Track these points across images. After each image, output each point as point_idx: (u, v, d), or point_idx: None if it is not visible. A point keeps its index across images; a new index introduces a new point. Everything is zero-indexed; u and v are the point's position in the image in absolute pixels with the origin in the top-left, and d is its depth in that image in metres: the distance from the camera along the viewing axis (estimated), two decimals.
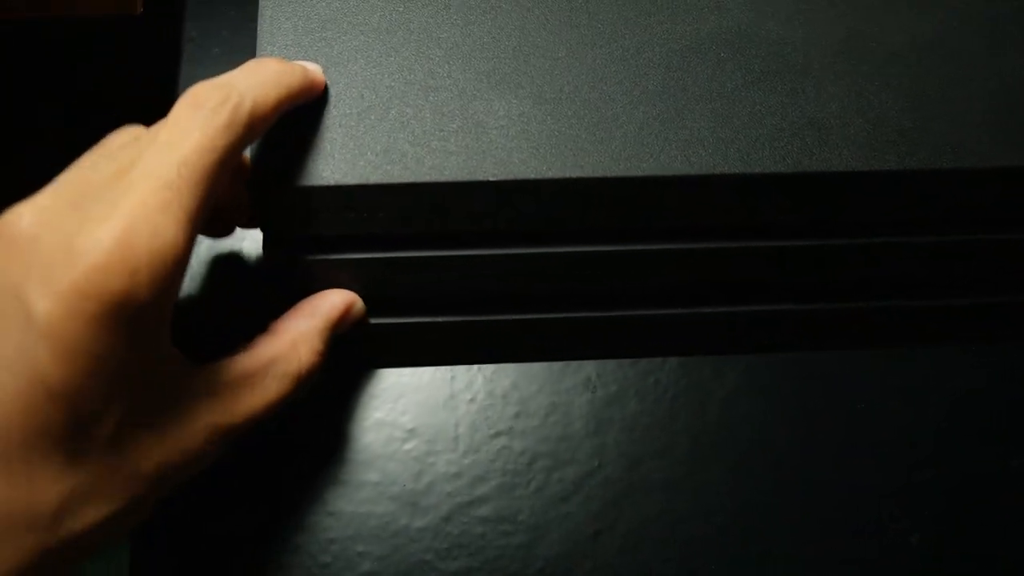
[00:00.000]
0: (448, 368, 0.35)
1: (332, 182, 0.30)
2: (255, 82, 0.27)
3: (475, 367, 0.35)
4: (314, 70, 0.30)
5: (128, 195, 0.24)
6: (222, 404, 0.27)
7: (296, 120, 0.30)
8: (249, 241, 0.36)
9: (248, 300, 0.35)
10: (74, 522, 0.24)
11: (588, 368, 0.35)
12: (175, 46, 0.38)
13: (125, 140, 0.27)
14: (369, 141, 0.30)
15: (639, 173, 0.30)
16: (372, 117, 0.31)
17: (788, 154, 0.31)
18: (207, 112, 0.26)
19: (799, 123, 0.31)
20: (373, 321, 0.33)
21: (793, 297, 0.35)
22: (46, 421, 0.23)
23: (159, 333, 0.25)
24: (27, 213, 0.24)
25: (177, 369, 0.26)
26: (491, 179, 0.30)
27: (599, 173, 0.30)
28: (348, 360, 0.33)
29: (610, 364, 0.35)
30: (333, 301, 0.31)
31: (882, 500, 0.34)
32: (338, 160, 0.30)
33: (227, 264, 0.35)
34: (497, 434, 0.34)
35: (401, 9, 0.33)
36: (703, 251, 0.32)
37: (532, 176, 0.30)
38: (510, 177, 0.30)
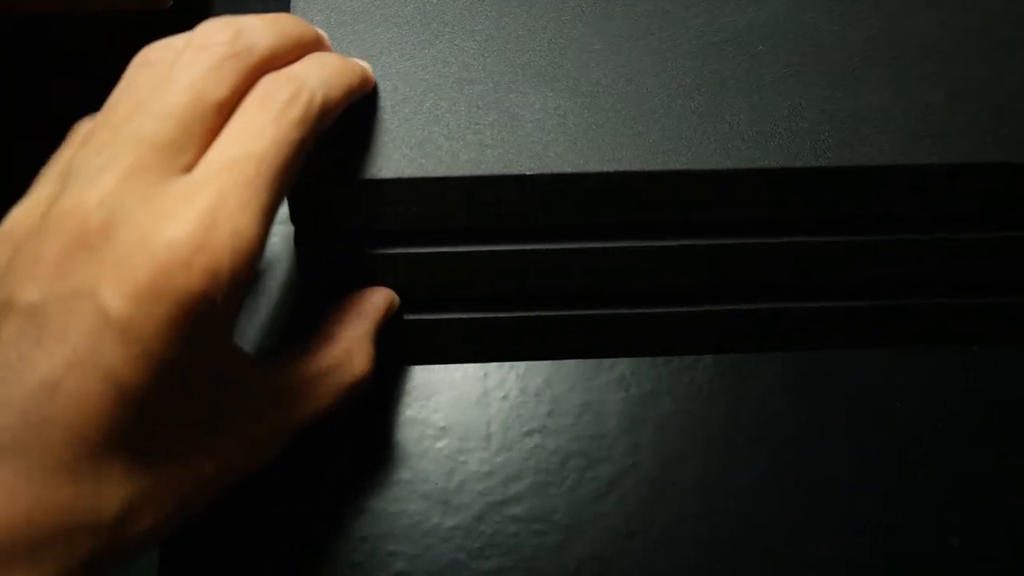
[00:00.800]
0: (480, 365, 0.35)
1: (366, 176, 0.29)
2: (324, 76, 0.26)
3: (508, 364, 0.35)
4: (366, 67, 0.30)
5: (207, 191, 0.23)
6: (281, 411, 0.27)
7: None
8: (278, 237, 0.36)
9: (280, 294, 0.34)
10: (135, 526, 0.23)
11: (622, 366, 0.35)
12: None
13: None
14: (403, 134, 0.30)
15: (677, 167, 0.30)
16: (406, 110, 0.30)
17: (828, 148, 0.30)
18: (280, 106, 0.25)
19: (839, 116, 0.31)
20: (406, 317, 0.33)
21: (832, 294, 0.34)
22: (117, 424, 0.22)
23: (227, 334, 0.25)
24: (94, 206, 0.22)
25: (240, 371, 0.26)
26: (527, 173, 0.30)
27: (637, 167, 0.30)
28: (380, 356, 0.33)
29: (644, 362, 0.35)
30: (376, 302, 0.31)
31: (923, 502, 0.33)
32: (372, 154, 0.30)
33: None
34: (530, 432, 0.34)
35: (434, 1, 0.33)
36: (741, 247, 0.32)
37: (569, 170, 0.30)
38: (546, 171, 0.30)
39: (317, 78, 0.26)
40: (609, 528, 0.32)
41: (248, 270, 0.24)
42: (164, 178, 0.23)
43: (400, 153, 0.30)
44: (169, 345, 0.22)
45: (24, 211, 0.24)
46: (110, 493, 0.23)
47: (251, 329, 0.33)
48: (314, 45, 0.28)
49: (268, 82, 0.26)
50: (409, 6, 0.32)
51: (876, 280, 0.34)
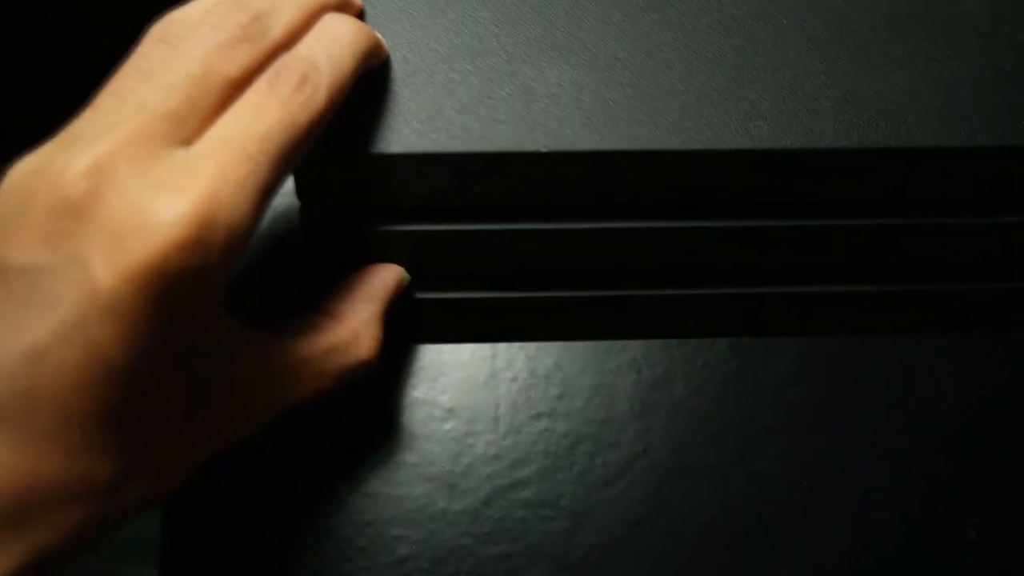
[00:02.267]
0: (489, 346, 0.34)
1: (375, 151, 0.28)
2: (334, 54, 0.26)
3: (517, 345, 0.34)
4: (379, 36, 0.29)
5: (206, 164, 0.22)
6: (278, 387, 0.26)
7: None
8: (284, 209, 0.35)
9: (284, 271, 0.33)
10: (124, 495, 0.23)
11: (633, 349, 0.34)
12: None
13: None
14: (414, 108, 0.29)
15: (697, 147, 0.29)
16: (417, 82, 0.29)
17: (854, 128, 0.29)
18: (288, 90, 0.24)
19: (865, 95, 0.30)
20: (414, 295, 0.32)
21: (850, 278, 0.33)
22: (105, 397, 0.22)
23: (217, 307, 0.24)
24: (88, 170, 0.22)
25: (236, 345, 0.25)
26: (541, 150, 0.28)
27: (655, 146, 0.29)
28: (387, 338, 0.32)
29: (656, 345, 0.34)
30: (385, 280, 0.30)
31: (939, 492, 0.32)
32: (381, 128, 0.29)
33: (263, 234, 0.34)
34: (539, 415, 0.33)
35: None
36: (759, 229, 0.31)
37: (584, 148, 0.29)
38: (561, 148, 0.29)
39: (326, 58, 0.26)
40: (618, 514, 0.32)
41: (241, 248, 0.23)
42: (163, 149, 0.23)
43: (410, 127, 0.29)
44: (158, 322, 0.22)
45: (22, 170, 0.24)
46: (100, 463, 0.22)
47: (256, 301, 0.32)
48: (340, 6, 0.28)
49: (279, 64, 0.25)
50: None
51: (898, 264, 0.33)
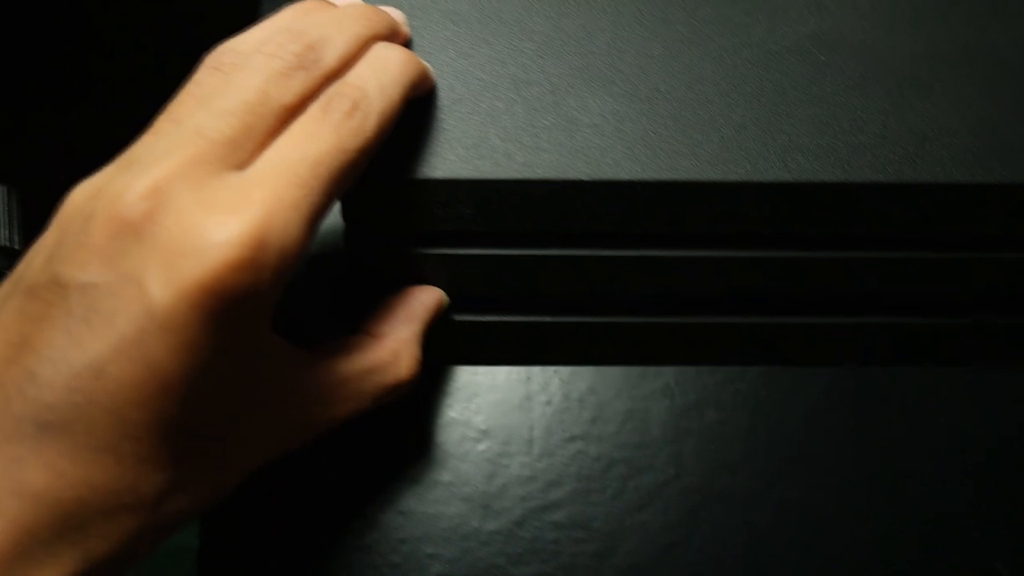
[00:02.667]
0: (524, 368, 0.34)
1: (420, 175, 0.29)
2: (384, 82, 0.27)
3: (551, 369, 0.34)
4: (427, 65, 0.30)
5: (260, 187, 0.23)
6: (320, 405, 0.27)
7: None
8: (329, 230, 0.35)
9: (327, 291, 0.34)
10: (170, 507, 0.24)
11: (667, 375, 0.34)
12: (252, 19, 0.37)
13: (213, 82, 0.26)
14: (458, 134, 0.30)
15: (735, 178, 0.29)
16: (462, 109, 0.30)
17: (889, 163, 0.30)
18: (340, 116, 0.25)
19: (901, 131, 0.30)
20: (452, 317, 0.32)
21: (883, 310, 0.34)
22: (159, 412, 0.22)
23: (266, 327, 0.25)
24: (146, 191, 0.23)
25: (280, 364, 0.26)
26: (583, 179, 0.29)
27: (694, 177, 0.29)
28: (426, 359, 0.33)
29: (689, 372, 0.35)
30: (426, 302, 0.31)
31: (969, 524, 0.33)
32: (426, 153, 0.29)
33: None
34: (572, 438, 0.33)
35: (493, 0, 0.32)
36: (793, 260, 0.31)
37: (625, 177, 0.29)
38: (603, 177, 0.29)
39: (377, 86, 0.26)
40: (650, 538, 0.32)
41: (291, 269, 0.24)
42: (219, 172, 0.23)
43: (455, 153, 0.29)
44: (211, 339, 0.22)
45: (82, 192, 0.24)
46: (151, 475, 0.23)
47: (299, 320, 0.33)
48: (389, 36, 0.28)
49: (331, 91, 0.26)
50: (465, 3, 0.32)
51: (931, 298, 0.33)
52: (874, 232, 0.31)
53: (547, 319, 0.33)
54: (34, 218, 0.34)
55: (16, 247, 0.33)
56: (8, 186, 0.34)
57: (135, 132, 0.25)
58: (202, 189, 0.23)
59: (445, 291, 0.32)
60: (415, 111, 0.30)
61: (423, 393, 0.34)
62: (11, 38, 0.35)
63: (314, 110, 0.25)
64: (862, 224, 0.31)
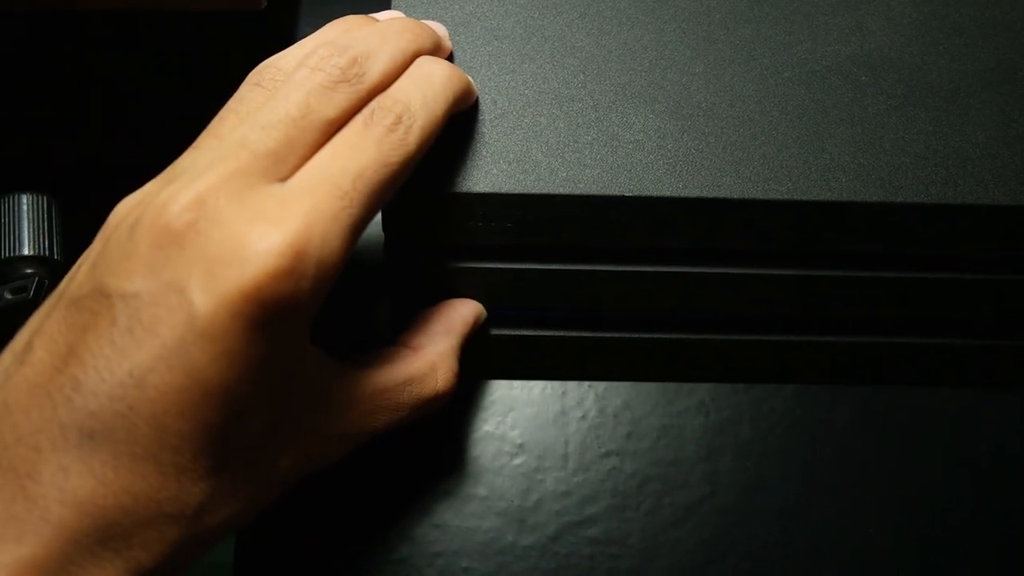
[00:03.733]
0: (560, 383, 0.34)
1: (462, 189, 0.29)
2: (428, 97, 0.27)
3: (587, 384, 0.34)
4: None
5: (302, 198, 0.23)
6: (357, 417, 0.27)
7: None
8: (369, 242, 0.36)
9: (366, 302, 0.34)
10: (211, 518, 0.24)
11: (701, 391, 0.34)
12: (289, 42, 0.37)
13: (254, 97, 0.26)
14: (501, 149, 0.30)
15: (777, 197, 0.29)
16: (505, 125, 0.30)
17: (931, 184, 0.30)
18: (383, 130, 0.25)
19: (943, 152, 0.30)
20: (489, 331, 0.33)
21: (921, 331, 0.34)
22: (200, 421, 0.22)
23: (304, 340, 0.25)
24: (190, 203, 0.23)
25: (317, 374, 0.26)
26: (626, 195, 0.29)
27: (736, 195, 0.29)
28: (463, 372, 0.33)
29: (724, 389, 0.35)
30: (464, 315, 0.31)
31: (1004, 544, 0.32)
32: (469, 167, 0.29)
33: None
34: (608, 454, 0.33)
35: (535, 16, 0.32)
36: (832, 279, 0.32)
37: (668, 194, 0.29)
38: (645, 193, 0.29)
39: (420, 100, 0.27)
40: (685, 555, 0.32)
41: (331, 280, 0.24)
42: (262, 184, 0.24)
43: (498, 168, 0.29)
44: (252, 347, 0.22)
45: (127, 205, 0.25)
46: (192, 484, 0.23)
47: (336, 332, 0.33)
48: (433, 51, 0.28)
49: (374, 104, 0.26)
50: (509, 21, 0.32)
51: (971, 318, 0.33)
52: (914, 252, 0.31)
53: (584, 334, 0.33)
54: (74, 230, 0.35)
55: (56, 257, 0.34)
56: (48, 196, 0.34)
57: (180, 147, 0.26)
58: (245, 200, 0.23)
59: (483, 305, 0.32)
60: (458, 125, 0.30)
61: (459, 407, 0.34)
62: (55, 47, 0.36)
63: (357, 123, 0.25)
64: (902, 244, 0.31)
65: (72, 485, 0.22)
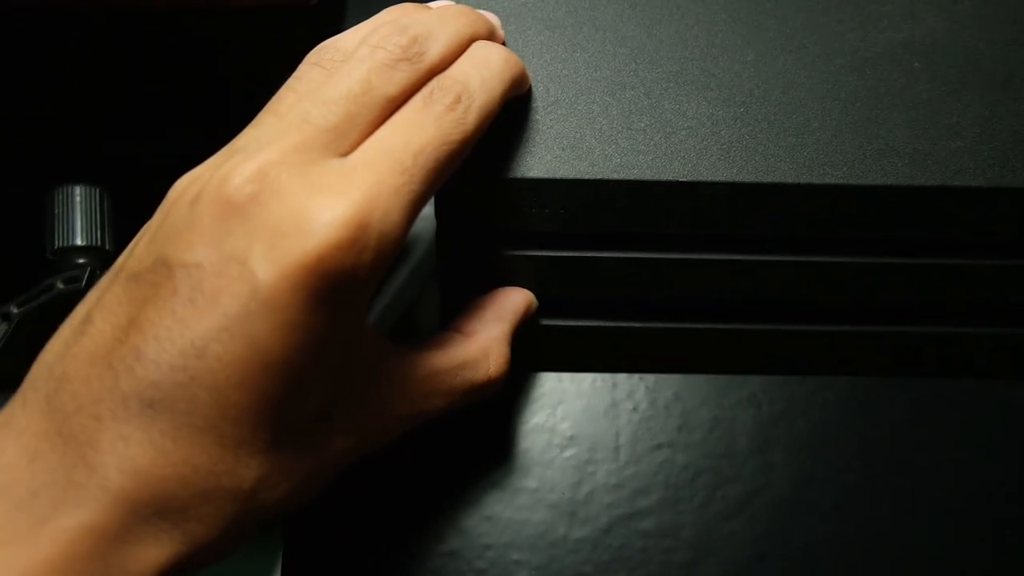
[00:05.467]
0: (610, 375, 0.34)
1: (517, 175, 0.29)
2: (486, 78, 0.27)
3: (637, 376, 0.34)
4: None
5: (363, 172, 0.23)
6: (410, 398, 0.27)
7: None
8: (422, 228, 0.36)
9: (421, 284, 0.34)
10: (268, 494, 0.24)
11: (753, 383, 0.34)
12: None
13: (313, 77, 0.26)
14: (555, 135, 0.30)
15: (833, 181, 0.29)
16: (558, 112, 0.30)
17: (988, 167, 0.30)
18: (442, 108, 0.25)
19: (1000, 136, 0.30)
20: (540, 321, 0.32)
21: (977, 320, 0.33)
22: (260, 393, 0.22)
23: (363, 315, 0.25)
24: (253, 175, 0.23)
25: (373, 354, 0.26)
26: (681, 179, 0.29)
27: (792, 179, 0.29)
28: (514, 359, 0.32)
29: (776, 380, 0.34)
30: (516, 303, 0.31)
31: None
32: (524, 153, 0.29)
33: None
34: (659, 446, 0.33)
35: (586, 6, 0.32)
36: (889, 266, 0.31)
37: (723, 179, 0.29)
38: (701, 179, 0.29)
39: (479, 81, 0.27)
40: (739, 549, 0.32)
41: (391, 254, 0.24)
42: (322, 158, 0.24)
43: (552, 154, 0.29)
44: (313, 319, 0.22)
45: (187, 179, 0.25)
46: (249, 458, 0.23)
47: (390, 314, 0.33)
48: (488, 37, 0.28)
49: (434, 83, 0.26)
50: (561, 10, 0.32)
51: None
52: (971, 238, 0.31)
53: (635, 324, 0.33)
54: (127, 221, 0.35)
55: (108, 248, 0.34)
56: (101, 187, 0.34)
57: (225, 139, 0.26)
58: (307, 173, 0.23)
59: (534, 294, 0.32)
60: (512, 112, 0.30)
61: (508, 399, 0.34)
62: (109, 44, 0.36)
63: (417, 101, 0.26)
64: (960, 230, 0.30)
65: (132, 454, 0.22)
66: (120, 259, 0.25)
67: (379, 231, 0.23)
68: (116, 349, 0.22)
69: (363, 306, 0.24)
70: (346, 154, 0.24)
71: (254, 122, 0.26)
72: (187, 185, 0.24)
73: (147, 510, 0.22)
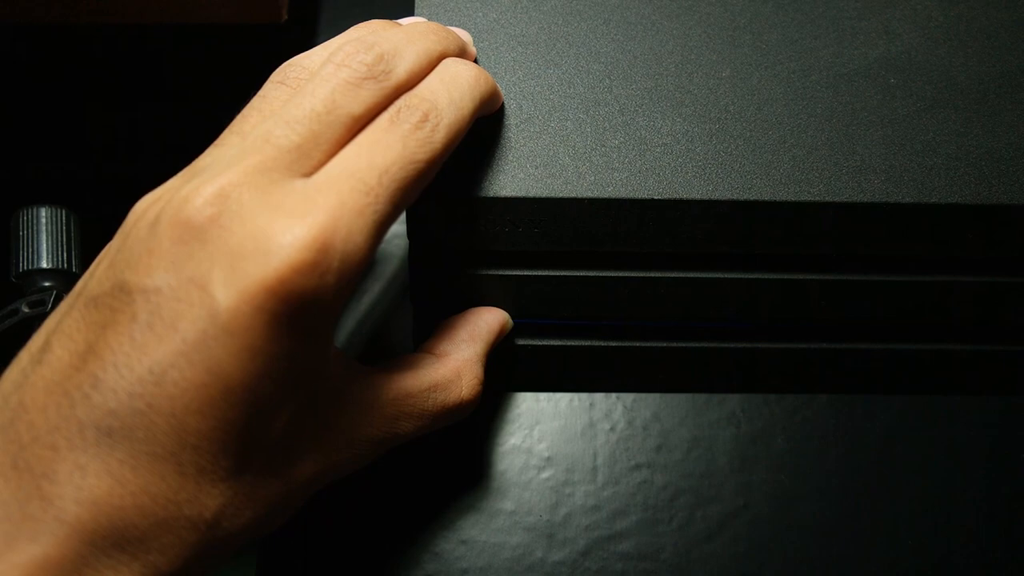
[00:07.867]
0: (587, 395, 0.34)
1: (489, 193, 0.29)
2: (455, 97, 0.26)
3: (614, 395, 0.34)
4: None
5: (326, 193, 0.23)
6: (381, 421, 0.26)
7: None
8: (394, 247, 0.35)
9: (392, 305, 0.34)
10: (231, 523, 0.23)
11: (732, 402, 0.34)
12: None
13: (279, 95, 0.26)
14: (528, 153, 0.29)
15: (810, 198, 0.29)
16: (531, 129, 0.30)
17: (964, 184, 0.29)
18: (409, 127, 0.25)
19: (975, 153, 0.30)
20: (514, 341, 0.32)
21: (955, 337, 0.33)
22: (221, 419, 0.22)
23: (328, 338, 0.24)
24: (213, 197, 0.22)
25: (341, 377, 0.25)
26: (655, 198, 0.29)
27: (768, 196, 0.29)
28: (488, 381, 0.32)
29: (755, 399, 0.34)
30: (490, 323, 0.30)
31: None
32: (496, 171, 0.29)
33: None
34: (637, 466, 0.33)
35: (560, 22, 0.32)
36: (865, 284, 0.31)
37: (697, 196, 0.29)
38: (676, 196, 0.29)
39: (447, 99, 0.26)
40: (719, 570, 0.31)
41: (355, 276, 0.23)
42: (285, 179, 0.23)
43: (525, 172, 0.29)
44: (275, 343, 0.22)
45: (147, 201, 0.24)
46: (212, 486, 0.22)
47: (360, 335, 0.32)
48: (458, 54, 0.28)
49: (401, 102, 0.26)
50: (534, 26, 0.32)
51: (1008, 324, 0.33)
52: (948, 255, 0.30)
53: (611, 344, 0.33)
54: (93, 243, 0.34)
55: (75, 270, 0.33)
56: (67, 209, 0.34)
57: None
58: (268, 194, 0.23)
59: (509, 313, 0.31)
60: (483, 129, 0.29)
61: (484, 420, 0.33)
62: (75, 60, 0.35)
63: (383, 120, 0.25)
64: (936, 246, 0.30)
65: (89, 484, 0.21)
66: (80, 283, 0.24)
67: (342, 253, 0.22)
68: (73, 376, 0.22)
69: (327, 329, 0.24)
70: (310, 174, 0.24)
71: (217, 142, 0.25)
72: (147, 207, 0.24)
73: (105, 542, 0.21)
